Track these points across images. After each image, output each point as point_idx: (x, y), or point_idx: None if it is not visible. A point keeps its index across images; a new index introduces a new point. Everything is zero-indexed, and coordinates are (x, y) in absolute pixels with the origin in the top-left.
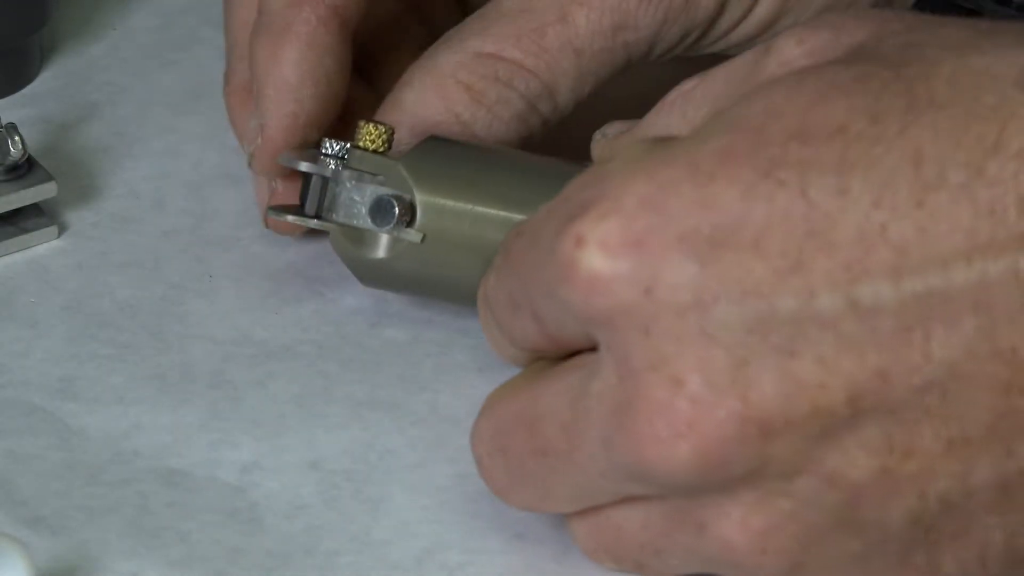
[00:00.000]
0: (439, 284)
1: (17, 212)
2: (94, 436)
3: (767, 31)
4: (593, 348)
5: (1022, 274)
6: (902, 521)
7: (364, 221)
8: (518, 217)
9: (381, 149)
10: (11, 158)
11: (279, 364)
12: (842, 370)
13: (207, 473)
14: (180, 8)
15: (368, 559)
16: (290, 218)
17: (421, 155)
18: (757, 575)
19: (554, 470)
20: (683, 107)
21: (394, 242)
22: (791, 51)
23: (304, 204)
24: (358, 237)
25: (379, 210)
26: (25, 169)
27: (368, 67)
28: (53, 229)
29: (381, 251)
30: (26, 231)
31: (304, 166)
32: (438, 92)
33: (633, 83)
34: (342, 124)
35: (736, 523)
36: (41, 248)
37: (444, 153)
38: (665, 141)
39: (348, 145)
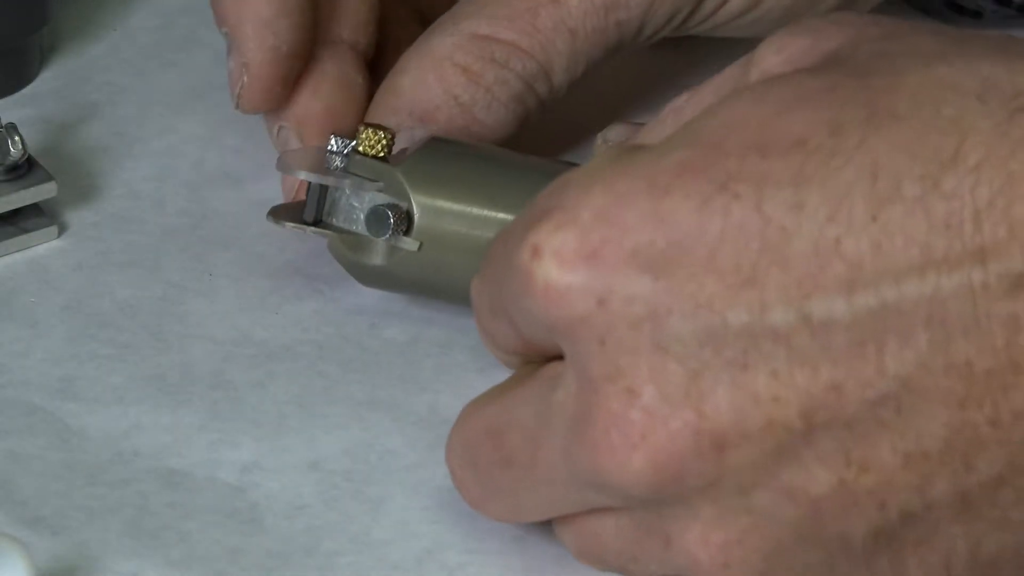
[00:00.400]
0: (439, 286)
1: (17, 212)
2: (94, 436)
3: (754, 8)
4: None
5: (977, 288)
6: (864, 533)
7: (362, 227)
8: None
9: (380, 155)
10: (11, 158)
11: (279, 364)
12: (796, 384)
13: (207, 473)
14: (180, 8)
15: (368, 559)
16: (289, 225)
17: (420, 160)
18: None
19: (520, 481)
20: (675, 122)
21: (392, 249)
22: (771, 60)
23: (303, 211)
24: (356, 243)
25: (375, 220)
26: (25, 169)
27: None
28: (53, 229)
29: (379, 258)
30: (26, 231)
31: (303, 175)
32: (435, 75)
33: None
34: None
35: (697, 537)
36: (41, 248)
37: (444, 156)
38: (630, 151)
39: (352, 144)
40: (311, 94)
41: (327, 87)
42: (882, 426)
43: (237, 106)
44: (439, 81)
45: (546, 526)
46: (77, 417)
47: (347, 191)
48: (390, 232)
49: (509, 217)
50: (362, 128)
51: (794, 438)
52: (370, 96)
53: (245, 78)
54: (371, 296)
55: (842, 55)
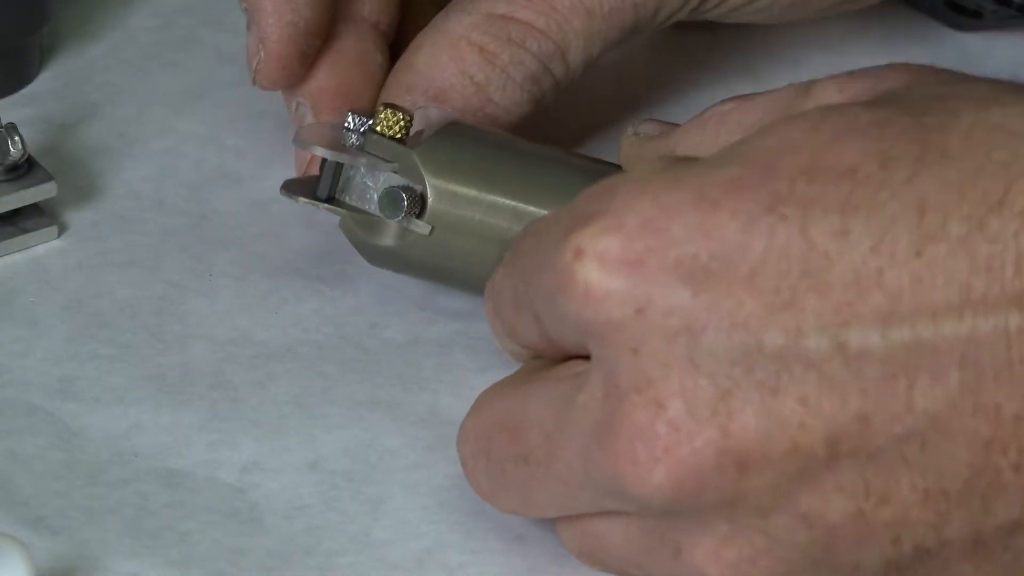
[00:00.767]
0: (448, 271)
1: (17, 212)
2: (94, 436)
3: None
4: (588, 356)
5: (1012, 333)
6: (876, 564)
7: (375, 208)
8: (530, 208)
9: (398, 136)
10: (11, 158)
11: (279, 364)
12: (823, 411)
13: (207, 473)
14: (180, 8)
15: (368, 559)
16: (302, 200)
17: (436, 144)
18: None
19: (534, 478)
20: (716, 128)
21: (403, 231)
22: (831, 97)
23: (317, 186)
24: (368, 222)
25: (388, 201)
26: (25, 169)
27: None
28: (53, 229)
29: (390, 239)
30: (26, 231)
31: (319, 151)
32: (451, 54)
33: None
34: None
35: (709, 553)
36: (41, 248)
37: (461, 142)
38: (680, 162)
39: (369, 123)
40: (328, 70)
41: (345, 64)
42: (905, 461)
43: (254, 82)
44: (454, 60)
45: (547, 526)
46: (77, 417)
47: (362, 170)
48: (403, 214)
49: (523, 206)
50: (381, 108)
51: (816, 465)
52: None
53: (262, 53)
54: (371, 296)
55: (897, 94)
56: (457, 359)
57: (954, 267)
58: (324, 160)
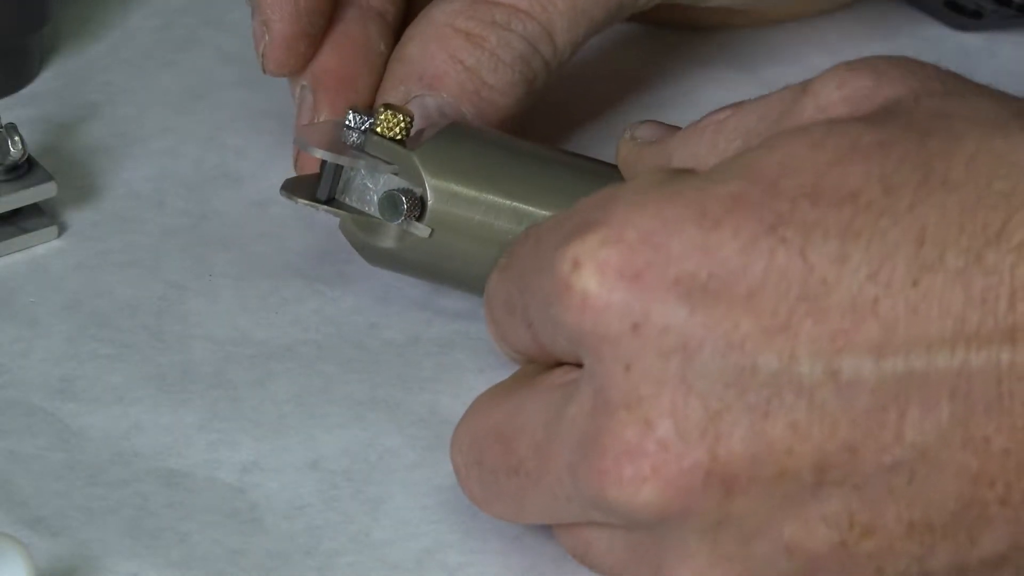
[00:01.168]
0: (449, 273)
1: (17, 212)
2: (94, 436)
3: None
4: (580, 364)
5: (1003, 368)
6: None
7: (375, 210)
8: (530, 208)
9: (398, 137)
10: (11, 158)
11: (279, 364)
12: (812, 439)
13: (207, 473)
14: (180, 8)
15: (368, 559)
16: (302, 202)
17: (437, 145)
18: None
19: (525, 488)
20: (714, 137)
21: (403, 233)
22: (830, 95)
23: (316, 187)
24: (368, 224)
25: (388, 204)
26: (25, 169)
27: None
28: (53, 229)
29: (390, 240)
30: (26, 231)
31: (319, 153)
32: (439, 42)
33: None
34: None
35: (690, 574)
36: (41, 248)
37: (461, 143)
38: (681, 175)
39: (370, 122)
40: (329, 51)
41: (347, 47)
42: (891, 493)
43: (264, 68)
44: (443, 47)
45: (546, 526)
46: (77, 417)
47: (362, 171)
48: (402, 217)
49: (523, 206)
50: (381, 109)
51: (802, 492)
52: None
53: (268, 36)
54: (371, 296)
55: (901, 107)
56: (457, 359)
57: (950, 299)
58: (324, 161)
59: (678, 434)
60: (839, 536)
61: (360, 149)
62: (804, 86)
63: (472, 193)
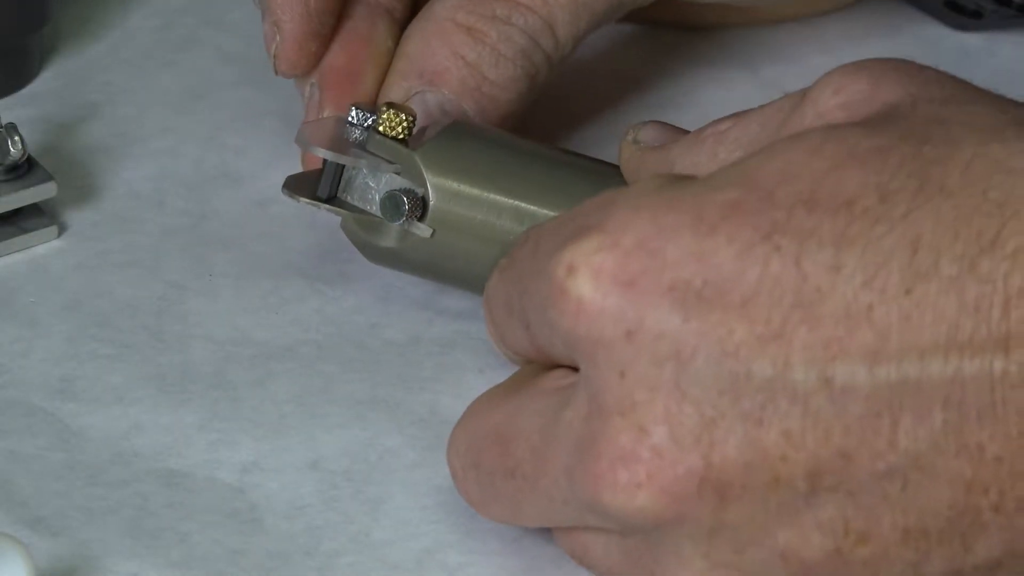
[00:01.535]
0: (450, 272)
1: (17, 212)
2: (94, 436)
3: None
4: (577, 367)
5: (997, 375)
6: None
7: (376, 209)
8: (532, 208)
9: (400, 136)
10: (11, 158)
11: (279, 364)
12: (806, 446)
13: (207, 474)
14: (180, 8)
15: (368, 559)
16: (303, 201)
17: (439, 145)
18: None
19: (522, 491)
20: (714, 147)
21: (405, 232)
22: (827, 101)
23: (318, 186)
24: (369, 223)
25: (389, 204)
26: (25, 169)
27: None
28: (53, 229)
29: (391, 240)
30: (26, 231)
31: (320, 152)
32: (440, 37)
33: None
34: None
35: None
36: (41, 248)
37: (463, 142)
38: (680, 180)
39: (373, 119)
40: (337, 50)
41: (354, 44)
42: (886, 499)
43: (276, 70)
44: (444, 43)
45: (545, 527)
46: (77, 417)
47: (364, 171)
48: (404, 218)
49: (525, 205)
50: (384, 108)
51: (796, 499)
52: None
53: (279, 37)
54: (371, 296)
55: (899, 112)
56: (457, 359)
57: (943, 307)
58: (326, 160)
59: (672, 440)
60: (834, 543)
61: (362, 147)
62: (803, 93)
63: (474, 192)
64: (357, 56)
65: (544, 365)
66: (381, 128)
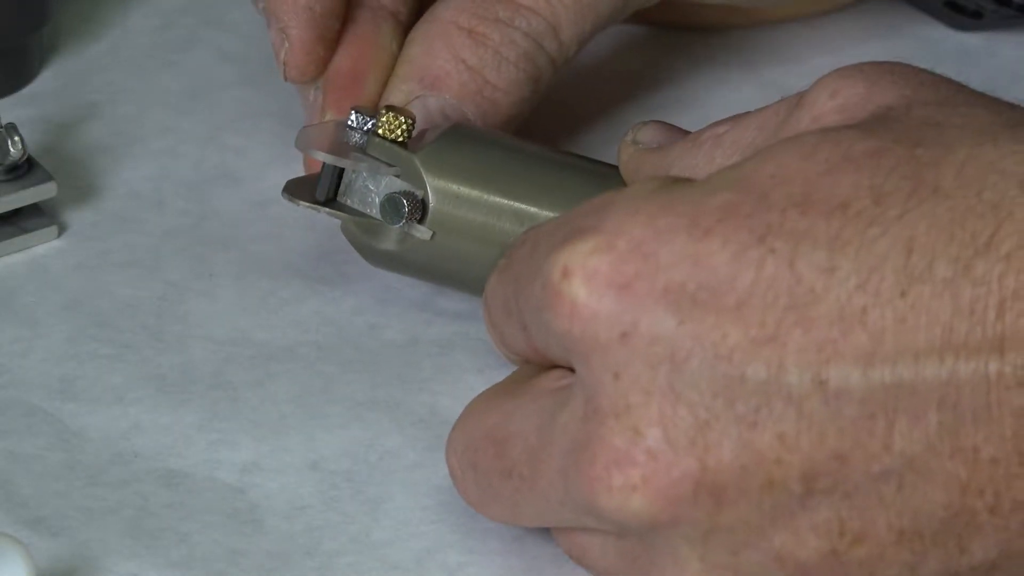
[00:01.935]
0: (450, 274)
1: (17, 212)
2: (94, 437)
3: None
4: (574, 369)
5: (992, 377)
6: None
7: (376, 212)
8: (532, 209)
9: (400, 139)
10: (11, 158)
11: (279, 364)
12: (800, 448)
13: (207, 474)
14: (180, 8)
15: (368, 559)
16: (303, 204)
17: (438, 147)
18: None
19: (519, 492)
20: (712, 150)
21: (405, 235)
22: (823, 104)
23: (316, 188)
24: (369, 226)
25: (389, 207)
26: (25, 169)
27: None
28: (53, 229)
29: (391, 243)
30: (26, 231)
31: (319, 155)
32: (442, 40)
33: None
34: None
35: None
36: (41, 248)
37: (462, 144)
38: (677, 184)
39: (373, 122)
40: (341, 53)
41: (357, 48)
42: (881, 501)
43: (285, 76)
44: (446, 46)
45: (546, 527)
46: (77, 417)
47: (363, 174)
48: (403, 221)
49: (525, 207)
50: (383, 111)
51: (791, 502)
52: None
53: (287, 44)
54: (371, 297)
55: (894, 115)
56: (457, 360)
57: (938, 309)
58: (324, 162)
59: (667, 443)
60: (830, 544)
61: (362, 150)
62: (799, 97)
63: (474, 195)
64: (360, 60)
65: (542, 366)
66: (380, 131)
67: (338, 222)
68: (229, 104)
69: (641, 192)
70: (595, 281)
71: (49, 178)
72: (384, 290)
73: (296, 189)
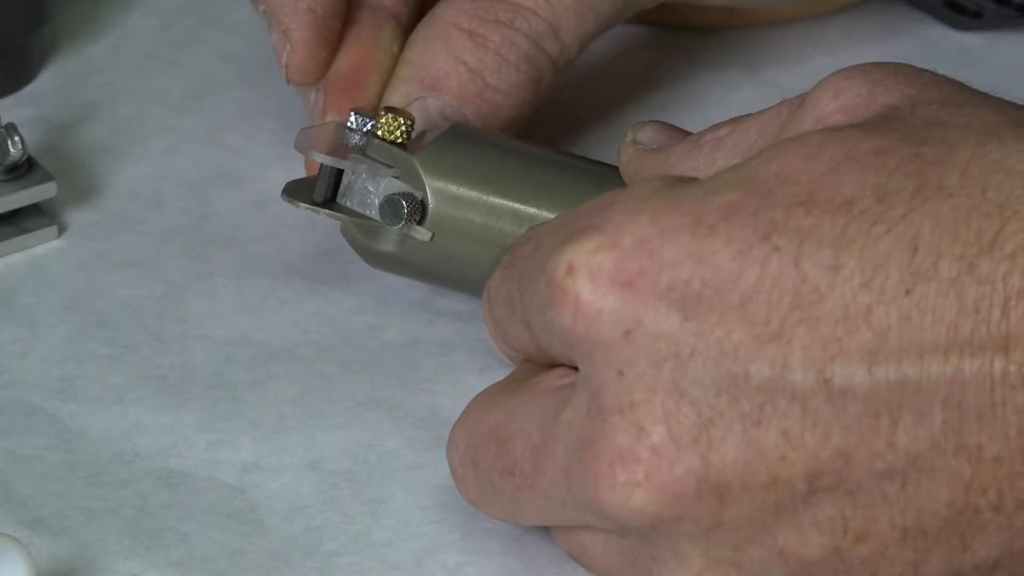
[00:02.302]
0: (450, 275)
1: (17, 212)
2: (94, 437)
3: None
4: (577, 367)
5: (996, 376)
6: None
7: (375, 213)
8: (532, 210)
9: (399, 140)
10: (11, 158)
11: (279, 364)
12: (805, 446)
13: (207, 474)
14: (180, 8)
15: (368, 560)
16: (302, 206)
17: (437, 148)
18: None
19: (521, 490)
20: (712, 152)
21: (404, 237)
22: (826, 105)
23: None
24: (369, 227)
25: (389, 208)
26: (25, 169)
27: None
28: (53, 229)
29: (391, 244)
30: (26, 231)
31: (318, 157)
32: (442, 42)
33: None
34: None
35: None
36: (41, 248)
37: (462, 145)
38: (680, 183)
39: (372, 124)
40: (342, 54)
41: (358, 49)
42: (885, 499)
43: (287, 78)
44: (446, 47)
45: (546, 527)
46: (77, 417)
47: (363, 175)
48: (403, 222)
49: (524, 208)
50: (382, 112)
51: (795, 499)
52: None
53: (288, 46)
54: (371, 297)
55: (898, 114)
56: (457, 360)
57: (943, 307)
58: (323, 167)
59: (671, 440)
60: (833, 542)
61: (362, 152)
62: (802, 98)
63: (473, 196)
64: (361, 61)
65: (544, 364)
66: (380, 132)
67: (338, 222)
68: (229, 104)
69: (645, 191)
70: (599, 279)
71: (49, 178)
72: (384, 290)
73: (295, 191)
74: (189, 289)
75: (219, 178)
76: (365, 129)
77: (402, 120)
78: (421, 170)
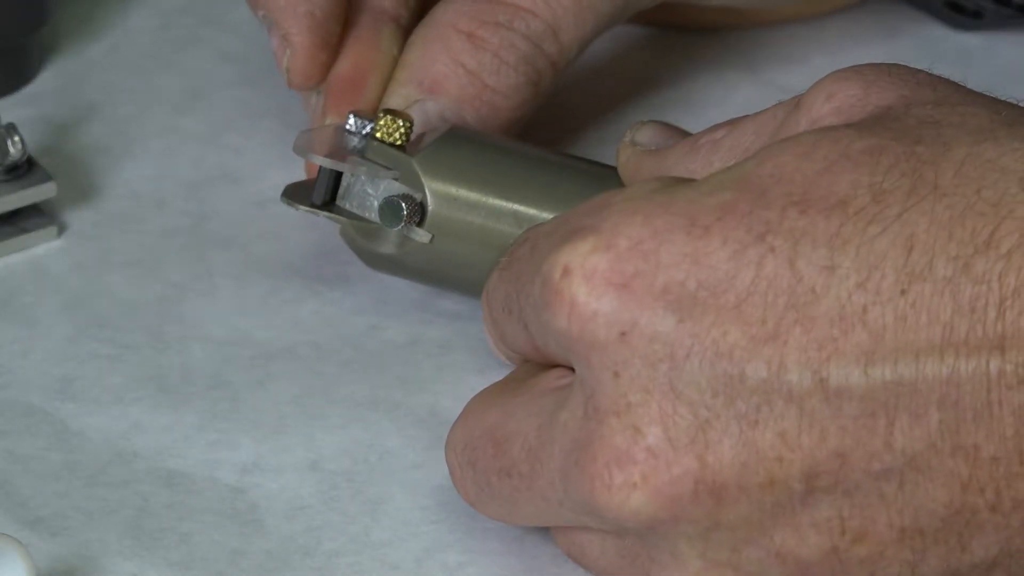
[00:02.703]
0: (450, 277)
1: (17, 212)
2: (94, 437)
3: None
4: (574, 368)
5: (992, 375)
6: None
7: (375, 215)
8: (531, 211)
9: (398, 143)
10: (11, 158)
11: (279, 365)
12: (801, 446)
13: (207, 474)
14: (180, 8)
15: (368, 560)
16: (302, 208)
17: (436, 150)
18: None
19: (518, 491)
20: (709, 154)
21: (404, 238)
22: (820, 107)
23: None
24: (368, 229)
25: (388, 210)
26: (25, 169)
27: None
28: (53, 229)
29: (390, 246)
30: (26, 231)
31: (317, 159)
32: (441, 44)
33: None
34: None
35: None
36: (41, 248)
37: (461, 147)
38: (675, 184)
39: (371, 126)
40: (342, 57)
41: (359, 51)
42: (882, 499)
43: (289, 83)
44: (444, 49)
45: (546, 527)
46: (77, 417)
47: (362, 177)
48: (402, 223)
49: (524, 209)
50: (381, 114)
51: (792, 500)
52: None
53: (289, 51)
54: (371, 297)
55: (892, 115)
56: (457, 360)
57: (938, 307)
58: (322, 169)
59: (667, 441)
60: (830, 542)
61: (361, 154)
62: (797, 100)
63: (472, 197)
64: (361, 64)
65: (541, 365)
66: (379, 134)
67: (338, 224)
68: (229, 104)
69: (640, 192)
70: (594, 280)
71: (49, 178)
72: (384, 290)
73: (295, 193)
74: (189, 289)
75: (219, 178)
76: (364, 131)
77: (401, 122)
78: (420, 172)
